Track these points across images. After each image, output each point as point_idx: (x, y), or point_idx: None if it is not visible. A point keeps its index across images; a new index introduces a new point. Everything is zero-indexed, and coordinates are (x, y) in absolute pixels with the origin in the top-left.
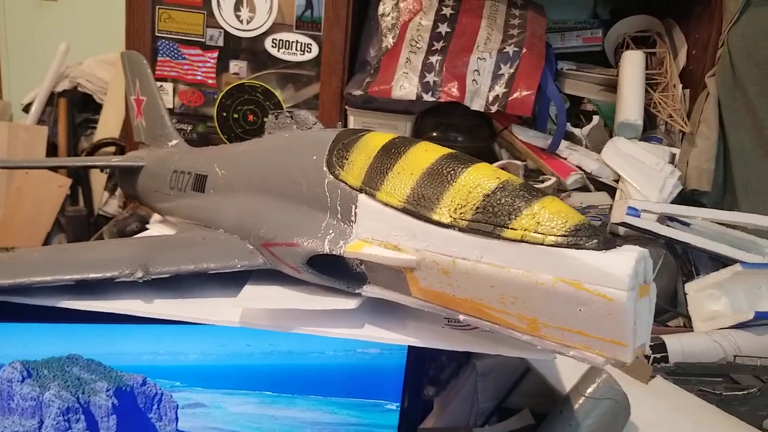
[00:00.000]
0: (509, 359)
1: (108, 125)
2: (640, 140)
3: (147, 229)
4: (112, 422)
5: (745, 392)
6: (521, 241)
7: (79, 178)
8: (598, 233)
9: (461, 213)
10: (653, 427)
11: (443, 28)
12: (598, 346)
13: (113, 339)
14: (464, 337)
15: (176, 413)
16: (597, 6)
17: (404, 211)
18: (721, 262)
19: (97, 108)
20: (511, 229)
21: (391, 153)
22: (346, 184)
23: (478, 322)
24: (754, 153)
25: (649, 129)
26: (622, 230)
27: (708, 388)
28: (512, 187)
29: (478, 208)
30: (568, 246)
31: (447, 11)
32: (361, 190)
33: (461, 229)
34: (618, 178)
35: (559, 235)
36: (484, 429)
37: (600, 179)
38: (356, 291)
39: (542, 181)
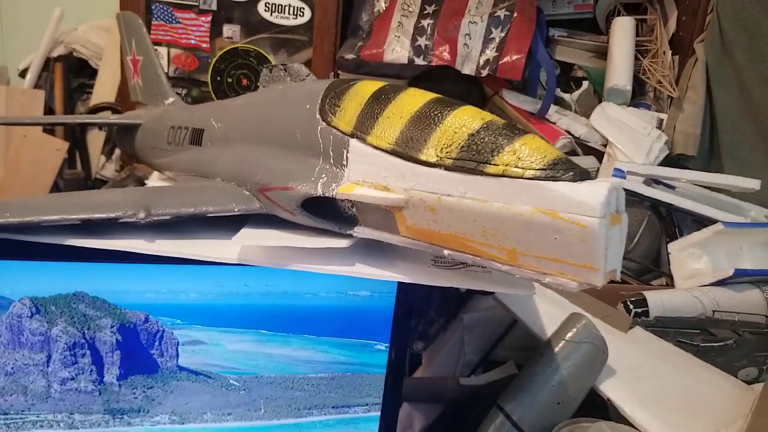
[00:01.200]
0: (495, 314)
1: (104, 90)
2: (629, 106)
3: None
4: (116, 357)
5: (722, 344)
6: (502, 175)
7: (77, 141)
8: (575, 167)
9: (447, 152)
10: (630, 371)
11: None
12: (571, 271)
13: (117, 277)
14: (449, 275)
15: (177, 350)
16: None
17: (393, 153)
18: (704, 224)
19: (93, 73)
20: (494, 164)
21: (381, 99)
22: (338, 130)
23: (462, 255)
24: (741, 118)
25: (639, 95)
26: None
27: (686, 339)
28: (495, 126)
29: (462, 146)
30: (546, 179)
31: None
32: (352, 135)
33: (447, 168)
34: (606, 143)
35: (537, 169)
36: (470, 378)
37: (588, 143)
38: (348, 232)
39: None
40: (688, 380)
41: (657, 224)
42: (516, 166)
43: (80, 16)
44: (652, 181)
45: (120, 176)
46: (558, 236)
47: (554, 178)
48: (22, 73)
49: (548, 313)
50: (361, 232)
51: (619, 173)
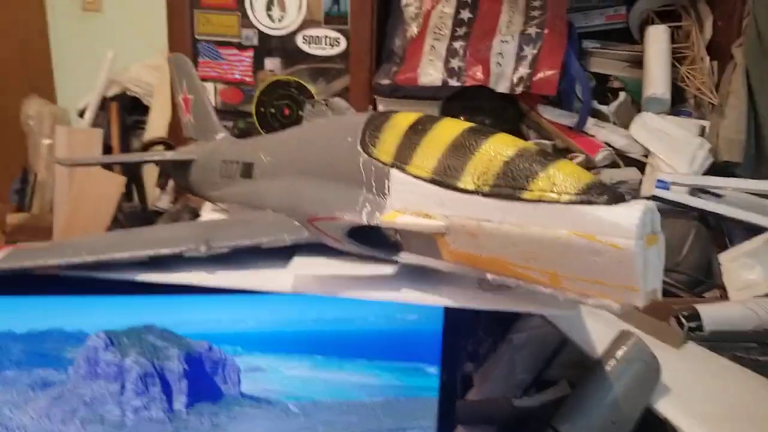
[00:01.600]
0: (544, 332)
1: (156, 125)
2: (669, 114)
3: (199, 217)
4: (184, 385)
5: None
6: (539, 201)
7: (133, 176)
8: (609, 190)
9: (484, 179)
10: (687, 388)
11: (465, 14)
12: (612, 292)
13: (182, 309)
14: (495, 298)
15: (239, 376)
16: None
17: (432, 181)
18: (755, 232)
19: (146, 110)
20: (529, 190)
21: (418, 130)
22: (379, 161)
23: (505, 279)
24: None
25: (678, 103)
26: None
27: (743, 353)
28: (529, 153)
29: (498, 174)
30: (581, 203)
31: None
32: (393, 166)
33: (484, 194)
34: (647, 153)
35: (572, 194)
36: (523, 399)
37: (629, 155)
38: (393, 258)
39: (571, 159)
40: (748, 396)
41: (705, 235)
42: (551, 191)
43: (131, 57)
44: (698, 190)
45: (175, 208)
46: (597, 259)
47: (589, 202)
48: (81, 113)
49: (598, 330)
50: (406, 258)
51: (663, 185)
